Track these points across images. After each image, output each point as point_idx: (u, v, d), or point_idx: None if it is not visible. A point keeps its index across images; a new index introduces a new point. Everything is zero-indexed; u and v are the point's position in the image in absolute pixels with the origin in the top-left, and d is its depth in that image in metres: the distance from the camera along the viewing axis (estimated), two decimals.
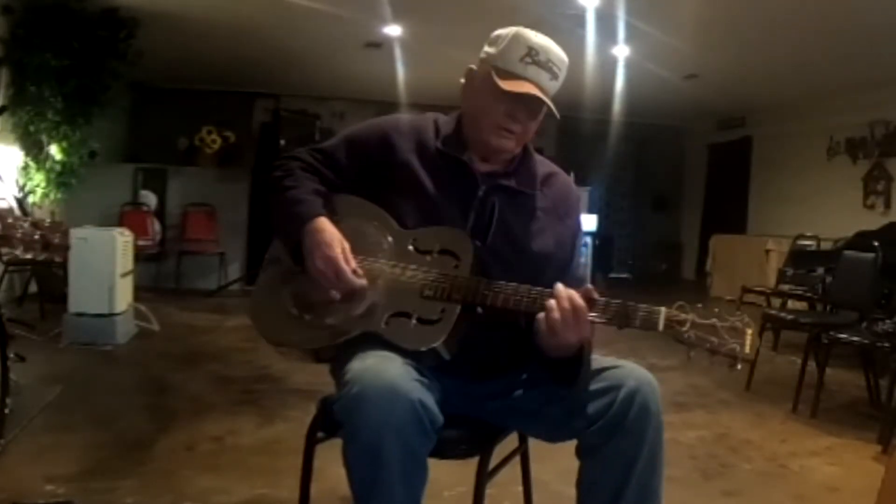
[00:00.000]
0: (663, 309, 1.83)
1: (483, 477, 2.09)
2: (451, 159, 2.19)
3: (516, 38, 2.15)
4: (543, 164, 2.36)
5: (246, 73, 10.18)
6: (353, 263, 2.02)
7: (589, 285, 1.95)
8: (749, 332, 1.79)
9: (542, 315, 1.89)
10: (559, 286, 1.90)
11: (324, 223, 2.06)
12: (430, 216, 2.12)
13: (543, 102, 2.09)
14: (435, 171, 2.19)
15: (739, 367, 1.80)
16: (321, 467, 2.18)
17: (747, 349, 1.78)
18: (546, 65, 2.13)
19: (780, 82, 10.58)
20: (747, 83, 10.76)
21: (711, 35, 8.12)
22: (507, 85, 2.06)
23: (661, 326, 1.83)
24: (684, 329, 1.82)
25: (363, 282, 2.01)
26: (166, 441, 3.72)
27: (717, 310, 1.83)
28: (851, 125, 10.83)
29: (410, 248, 2.08)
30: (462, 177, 2.18)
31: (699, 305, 1.84)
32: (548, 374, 2.07)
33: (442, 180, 2.17)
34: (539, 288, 1.95)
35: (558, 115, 2.15)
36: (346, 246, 2.04)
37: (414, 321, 1.97)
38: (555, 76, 2.15)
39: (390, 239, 2.11)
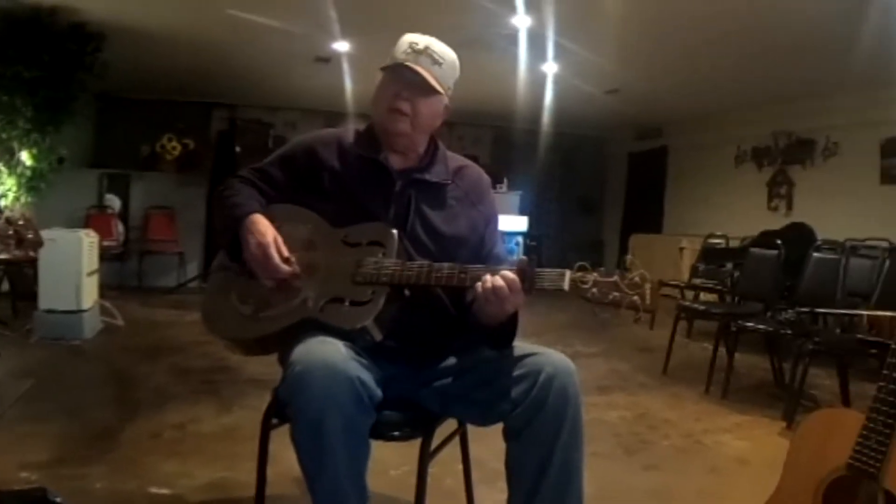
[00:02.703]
0: (567, 271, 1.88)
1: (426, 457, 2.11)
2: (368, 161, 2.26)
3: (402, 39, 2.24)
4: (455, 159, 2.42)
5: (204, 85, 10.07)
6: (286, 253, 2.08)
7: (522, 257, 2.00)
8: (648, 286, 1.85)
9: (480, 290, 1.92)
10: (506, 272, 1.93)
11: (258, 217, 2.13)
12: (355, 213, 2.18)
13: (419, 75, 2.15)
14: (356, 172, 2.25)
15: (641, 317, 1.87)
16: (276, 451, 2.18)
17: (647, 300, 1.84)
18: (425, 52, 2.20)
19: (693, 97, 10.72)
20: (663, 97, 10.88)
21: (631, 54, 8.20)
22: (386, 67, 2.20)
23: (566, 286, 1.87)
24: (587, 286, 1.87)
25: (288, 269, 2.07)
26: (132, 429, 3.66)
27: (617, 269, 1.90)
28: (757, 135, 11.03)
29: (341, 243, 2.13)
30: (380, 175, 2.25)
31: (601, 268, 1.89)
32: (483, 340, 2.13)
33: (363, 180, 2.24)
34: (462, 266, 2.00)
35: (439, 88, 2.20)
36: (279, 238, 2.10)
37: (347, 304, 2.02)
38: (436, 62, 2.21)
39: (323, 237, 2.16)
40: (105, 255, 7.55)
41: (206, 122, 11.25)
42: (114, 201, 10.01)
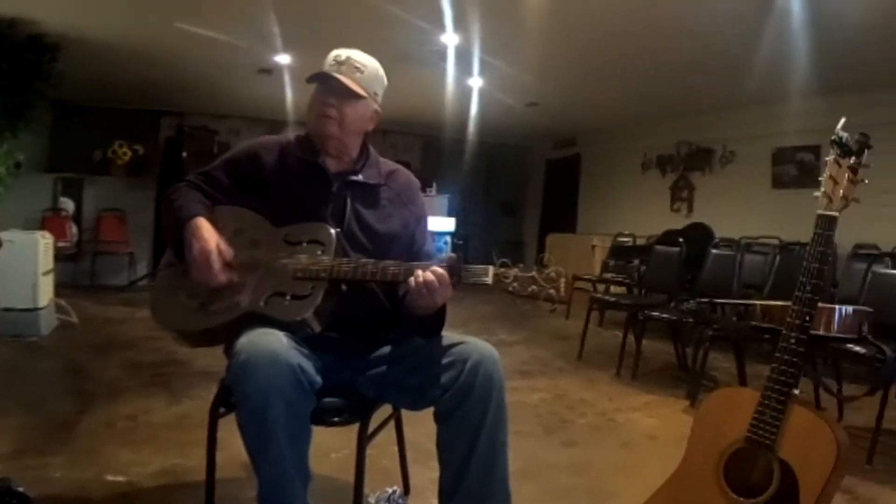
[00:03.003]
0: (491, 266, 1.93)
1: (363, 440, 2.12)
2: (307, 164, 2.25)
3: (329, 54, 2.27)
4: (387, 163, 2.43)
5: (153, 94, 9.86)
6: (228, 258, 2.08)
7: (451, 254, 2.03)
8: (562, 280, 1.89)
9: (413, 284, 1.95)
10: (436, 268, 1.96)
11: (201, 221, 2.10)
12: (295, 213, 2.17)
13: (341, 82, 2.17)
14: (296, 175, 2.24)
15: (556, 308, 1.92)
16: (224, 438, 2.14)
17: (562, 293, 1.88)
18: (347, 62, 2.23)
19: (604, 110, 10.87)
20: (578, 110, 11.02)
21: (549, 71, 8.28)
22: (312, 78, 2.22)
23: (490, 280, 1.92)
24: (509, 280, 1.91)
25: (224, 278, 2.06)
26: (88, 421, 3.55)
27: (535, 265, 1.93)
28: (661, 145, 11.19)
29: (283, 241, 2.12)
30: (318, 177, 2.24)
31: (521, 264, 1.93)
32: (414, 329, 2.15)
33: (302, 182, 2.23)
34: (395, 262, 2.03)
35: (360, 92, 2.22)
36: (222, 244, 2.09)
37: (288, 298, 2.02)
38: (358, 70, 2.23)
39: (266, 236, 2.15)
40: (60, 256, 7.33)
41: (154, 130, 11.02)
42: (68, 204, 9.77)
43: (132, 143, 10.36)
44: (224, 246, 2.10)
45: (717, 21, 6.19)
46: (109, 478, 2.78)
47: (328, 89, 2.21)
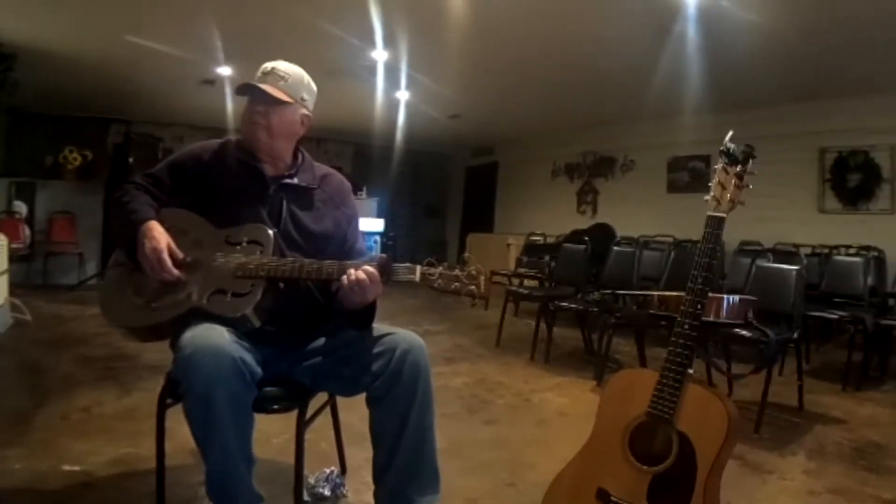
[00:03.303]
0: (418, 265, 1.94)
1: (302, 425, 2.12)
2: (246, 167, 2.22)
3: (260, 68, 2.26)
4: (320, 168, 2.41)
5: (103, 102, 9.54)
6: (180, 255, 2.04)
7: (382, 254, 2.04)
8: (482, 277, 1.91)
9: (346, 282, 1.95)
10: (367, 267, 1.97)
11: (154, 224, 2.06)
12: (235, 215, 2.14)
13: (264, 91, 2.15)
14: (235, 178, 2.20)
15: (477, 303, 1.94)
16: (172, 427, 2.11)
17: (482, 289, 1.89)
18: (272, 72, 2.21)
19: (519, 122, 10.94)
20: (496, 122, 11.07)
21: (470, 86, 8.30)
22: (240, 90, 2.21)
23: (417, 278, 1.93)
24: (434, 278, 1.92)
25: (177, 273, 2.02)
26: (44, 414, 3.42)
27: (461, 264, 1.94)
28: (569, 154, 11.32)
29: (224, 242, 2.09)
30: (255, 180, 2.21)
31: (445, 263, 1.94)
32: (347, 322, 2.13)
33: (241, 185, 2.19)
34: (329, 261, 2.02)
35: (285, 98, 2.20)
36: (172, 244, 2.05)
37: (229, 296, 2.00)
38: (282, 78, 2.21)
39: (208, 237, 2.12)
40: (13, 257, 6.99)
41: (103, 136, 10.65)
42: (21, 207, 9.38)
43: (82, 148, 10.00)
44: (173, 246, 2.06)
45: (621, 44, 6.29)
46: (66, 468, 2.70)
47: (255, 99, 2.19)
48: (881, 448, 3.80)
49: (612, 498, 1.91)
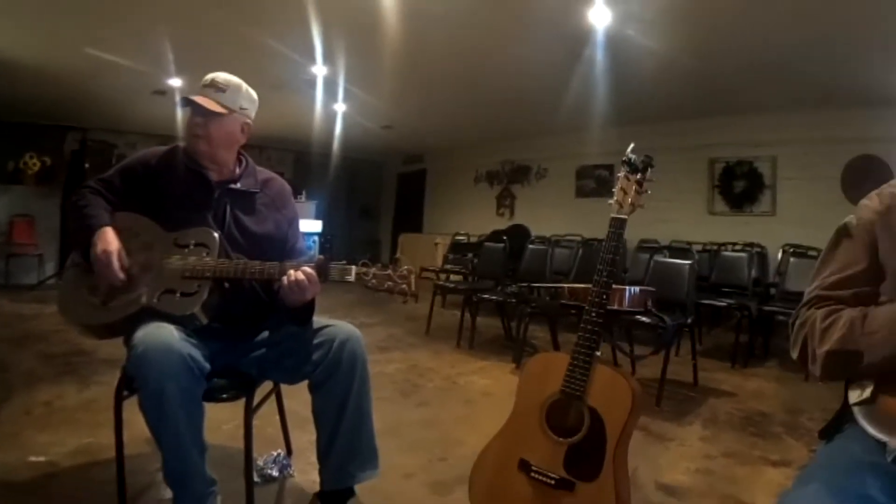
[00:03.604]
0: (354, 266, 1.93)
1: (250, 412, 2.09)
2: (193, 173, 2.17)
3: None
4: (263, 172, 2.36)
5: (61, 110, 9.11)
6: (125, 263, 2.00)
7: (320, 255, 2.02)
8: (412, 277, 1.91)
9: (286, 282, 1.94)
10: (306, 268, 1.95)
11: (107, 230, 2.02)
12: (183, 219, 2.09)
13: (200, 104, 2.10)
14: (183, 183, 2.15)
15: (409, 300, 1.94)
16: (129, 418, 2.05)
17: (412, 287, 1.90)
18: (211, 84, 2.16)
19: (446, 133, 10.94)
20: (425, 133, 11.04)
21: (401, 100, 8.25)
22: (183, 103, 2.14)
23: (353, 277, 1.93)
24: (368, 277, 1.91)
25: (123, 276, 1.98)
26: (8, 408, 3.27)
27: (391, 265, 1.94)
28: (489, 162, 11.38)
29: (173, 244, 2.05)
30: (201, 185, 2.16)
31: (379, 264, 1.94)
32: (288, 319, 2.10)
33: (188, 190, 2.14)
34: (270, 262, 2.00)
35: (219, 109, 2.13)
36: (122, 250, 2.00)
37: (178, 295, 1.97)
38: (220, 90, 2.17)
39: (158, 239, 2.07)
40: None
41: (61, 143, 10.15)
42: None
43: (41, 154, 9.62)
44: (122, 252, 2.02)
45: (538, 65, 6.34)
46: (32, 458, 2.59)
47: (194, 111, 2.14)
48: (766, 416, 3.95)
49: (533, 467, 1.93)
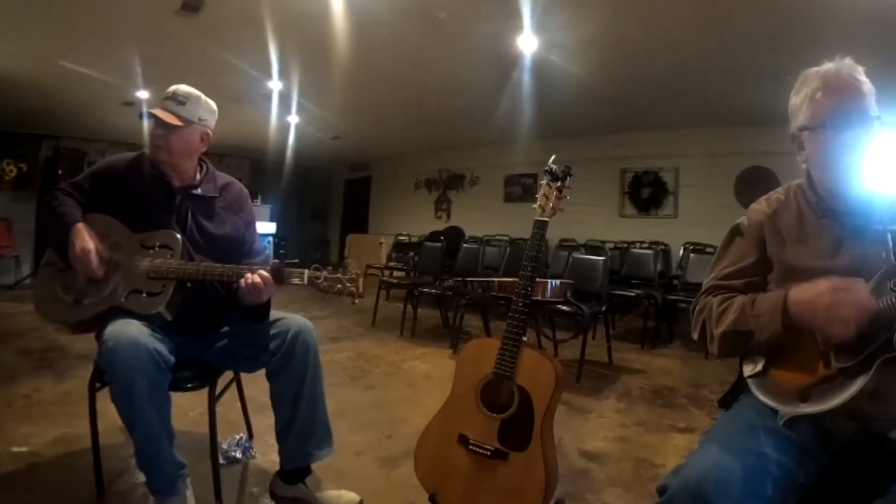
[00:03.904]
0: (306, 270, 1.92)
1: (213, 400, 2.08)
2: (157, 179, 2.12)
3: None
4: (222, 177, 2.31)
5: (36, 119, 8.63)
6: (105, 255, 1.97)
7: (275, 260, 2.01)
8: (360, 280, 1.91)
9: (243, 285, 1.92)
10: (262, 272, 1.93)
11: (82, 227, 1.97)
12: (148, 222, 2.04)
13: (160, 118, 2.07)
14: (147, 189, 2.10)
15: (357, 301, 1.93)
16: (102, 409, 2.01)
17: (360, 290, 1.90)
18: (172, 96, 2.12)
19: (389, 144, 10.86)
20: (370, 143, 10.95)
21: (349, 113, 8.17)
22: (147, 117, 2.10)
23: (305, 281, 1.91)
24: (320, 281, 1.90)
25: (102, 271, 1.95)
26: None
27: (341, 268, 1.93)
28: (428, 170, 11.35)
29: (139, 245, 2.01)
30: (165, 190, 2.11)
31: (329, 267, 1.93)
32: (245, 317, 2.07)
33: (153, 195, 2.09)
34: (229, 265, 1.98)
35: (176, 122, 2.09)
36: (99, 246, 1.97)
37: (144, 295, 1.93)
38: (180, 102, 2.12)
39: (126, 241, 2.02)
40: None
41: (36, 150, 9.62)
42: None
43: (17, 161, 9.15)
44: (100, 246, 1.97)
45: (472, 84, 6.37)
46: (14, 449, 2.49)
47: (156, 123, 2.10)
48: (673, 390, 4.08)
49: (471, 441, 1.94)
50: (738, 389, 1.58)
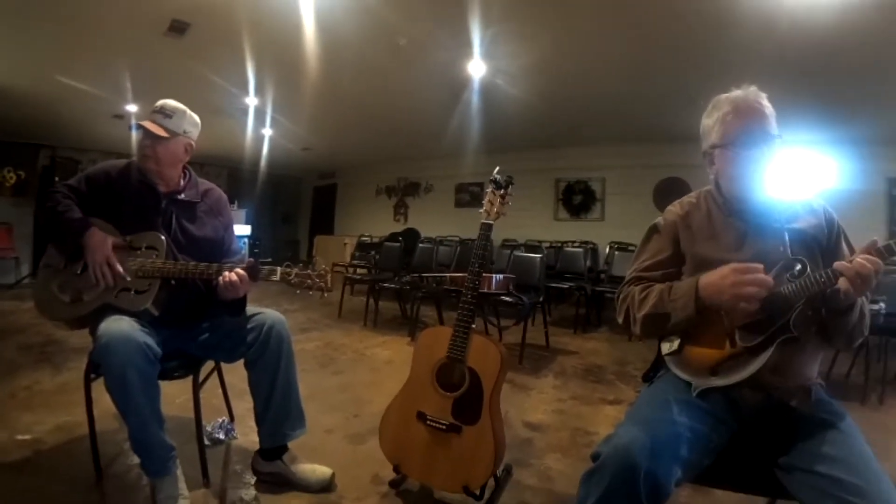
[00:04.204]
0: (279, 267, 1.89)
1: (197, 387, 2.05)
2: (144, 185, 2.07)
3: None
4: (204, 183, 2.27)
5: (34, 130, 8.21)
6: (122, 245, 1.95)
7: (250, 258, 1.98)
8: (328, 275, 1.90)
9: (221, 282, 1.89)
10: (239, 270, 1.90)
11: (96, 230, 1.92)
12: (136, 224, 2.00)
13: (149, 130, 2.03)
14: (135, 194, 2.05)
15: (326, 295, 1.90)
16: (97, 397, 1.95)
17: (328, 284, 1.88)
18: (160, 110, 2.07)
19: (353, 155, 10.76)
20: (336, 154, 10.81)
21: (318, 127, 8.06)
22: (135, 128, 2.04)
23: (278, 277, 1.88)
24: (291, 277, 1.88)
25: (127, 278, 1.91)
26: None
27: (310, 266, 1.91)
28: (388, 178, 11.25)
29: (128, 246, 1.97)
30: (151, 196, 2.07)
31: (300, 264, 1.91)
32: (224, 311, 2.04)
33: (140, 199, 2.05)
34: (209, 264, 1.94)
35: (163, 133, 2.05)
36: (116, 241, 1.94)
37: (133, 292, 1.90)
38: (167, 116, 2.07)
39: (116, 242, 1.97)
40: None
41: (34, 159, 9.16)
42: None
43: (17, 169, 8.75)
44: (116, 241, 1.95)
45: (427, 103, 6.36)
46: (19, 437, 2.39)
47: (144, 134, 2.05)
48: (602, 368, 4.17)
49: (428, 417, 1.96)
50: (657, 366, 1.63)
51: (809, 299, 1.32)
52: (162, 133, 2.04)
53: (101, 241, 1.92)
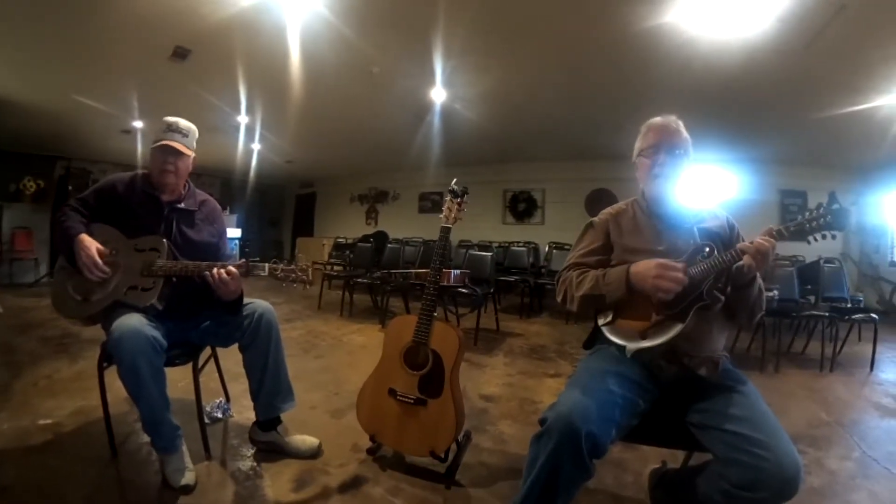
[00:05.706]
0: (267, 264, 1.86)
1: (196, 372, 2.02)
2: (148, 195, 2.02)
3: (162, 122, 2.03)
4: (201, 193, 2.23)
5: (52, 143, 7.81)
6: (105, 252, 1.89)
7: (242, 259, 1.94)
8: (310, 269, 1.88)
9: (216, 277, 1.86)
10: (230, 267, 1.87)
11: (84, 237, 1.88)
12: (141, 229, 1.96)
13: (176, 148, 1.99)
14: (140, 203, 2.01)
15: (308, 287, 1.88)
16: (110, 383, 1.89)
17: (310, 277, 1.87)
18: (176, 129, 2.02)
19: (330, 167, 10.63)
20: (316, 167, 10.67)
21: (300, 143, 7.95)
22: (156, 145, 2.00)
23: (266, 272, 1.86)
24: (278, 272, 1.85)
25: (108, 270, 1.87)
26: (20, 383, 2.84)
27: (294, 262, 1.89)
28: (360, 188, 11.11)
29: (133, 249, 1.93)
30: (154, 204, 2.03)
31: (285, 260, 1.89)
32: (222, 308, 2.01)
33: (144, 208, 2.01)
34: (204, 262, 1.91)
35: (189, 152, 2.03)
36: (100, 246, 1.89)
37: (140, 290, 1.86)
38: (184, 134, 2.03)
39: (123, 245, 1.94)
40: None
41: (51, 169, 8.73)
42: None
43: (36, 178, 8.36)
44: (100, 247, 1.88)
45: (395, 123, 6.34)
46: (41, 422, 2.29)
47: (168, 151, 2.00)
48: (544, 347, 4.23)
49: (398, 393, 1.96)
50: (595, 336, 1.68)
51: (718, 275, 1.40)
52: (187, 151, 2.03)
53: (86, 246, 1.88)
